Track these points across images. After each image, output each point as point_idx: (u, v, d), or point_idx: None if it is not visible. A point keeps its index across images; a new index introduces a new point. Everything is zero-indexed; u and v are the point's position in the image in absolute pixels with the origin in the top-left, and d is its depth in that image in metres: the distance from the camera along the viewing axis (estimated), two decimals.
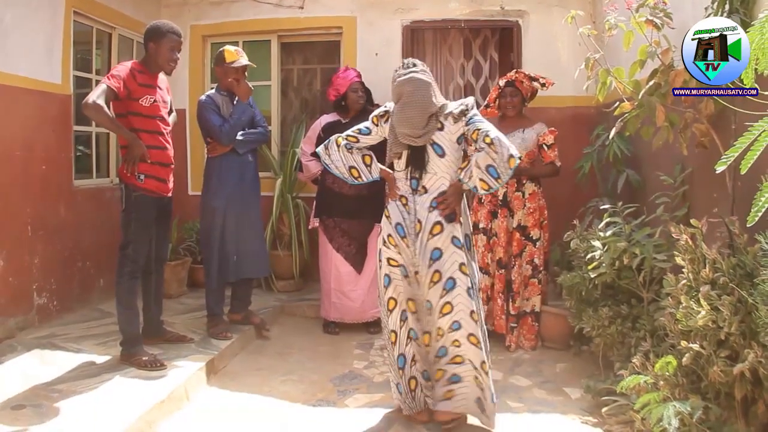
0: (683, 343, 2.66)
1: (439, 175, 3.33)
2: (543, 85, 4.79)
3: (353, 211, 5.09)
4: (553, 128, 4.80)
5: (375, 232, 5.14)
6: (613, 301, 3.84)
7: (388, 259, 3.38)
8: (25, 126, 4.62)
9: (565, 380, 4.09)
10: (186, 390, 3.76)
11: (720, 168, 2.14)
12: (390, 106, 3.43)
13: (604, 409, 3.34)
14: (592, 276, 3.75)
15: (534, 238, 4.73)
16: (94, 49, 5.70)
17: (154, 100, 4.02)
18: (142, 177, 3.96)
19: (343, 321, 5.20)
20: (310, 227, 5.56)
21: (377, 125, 3.49)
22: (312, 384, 4.09)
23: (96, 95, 3.69)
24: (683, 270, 2.81)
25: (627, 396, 3.05)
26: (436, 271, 3.26)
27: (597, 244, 3.77)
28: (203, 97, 4.74)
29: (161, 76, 4.18)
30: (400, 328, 3.40)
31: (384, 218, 3.43)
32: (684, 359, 2.63)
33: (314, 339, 5.07)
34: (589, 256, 3.79)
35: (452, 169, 3.35)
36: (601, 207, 4.20)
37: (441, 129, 3.31)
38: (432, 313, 3.31)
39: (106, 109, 3.71)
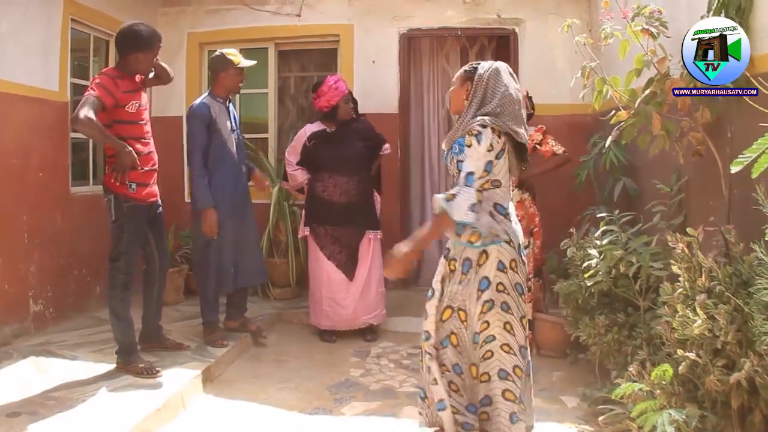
0: (680, 352, 2.66)
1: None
2: None
3: (344, 218, 5.10)
4: (539, 126, 4.82)
5: (366, 239, 5.18)
6: (609, 309, 3.84)
7: (498, 284, 3.00)
8: (21, 133, 4.61)
9: (561, 388, 4.09)
10: (182, 398, 3.75)
11: (735, 168, 2.11)
12: (485, 121, 2.98)
13: (600, 418, 3.34)
14: (589, 284, 3.75)
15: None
16: (92, 57, 5.71)
17: (139, 105, 3.98)
18: (133, 186, 3.90)
19: (335, 329, 5.20)
20: (300, 236, 5.55)
21: (493, 149, 2.97)
22: (308, 392, 4.09)
23: (86, 109, 3.61)
24: (679, 278, 2.81)
25: (623, 404, 3.04)
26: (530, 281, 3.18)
27: (593, 252, 3.78)
28: (198, 104, 4.62)
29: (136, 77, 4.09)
30: (480, 347, 3.07)
31: (505, 244, 3.00)
32: (680, 368, 2.63)
33: (311, 346, 5.06)
34: (585, 264, 3.79)
35: None
36: (598, 215, 4.21)
37: None
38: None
39: (97, 121, 3.65)
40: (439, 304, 3.17)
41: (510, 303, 3.02)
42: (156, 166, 4.12)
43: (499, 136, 2.97)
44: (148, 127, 4.08)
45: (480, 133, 2.94)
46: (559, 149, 4.76)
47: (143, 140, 4.01)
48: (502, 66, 3.09)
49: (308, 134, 5.24)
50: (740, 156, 2.09)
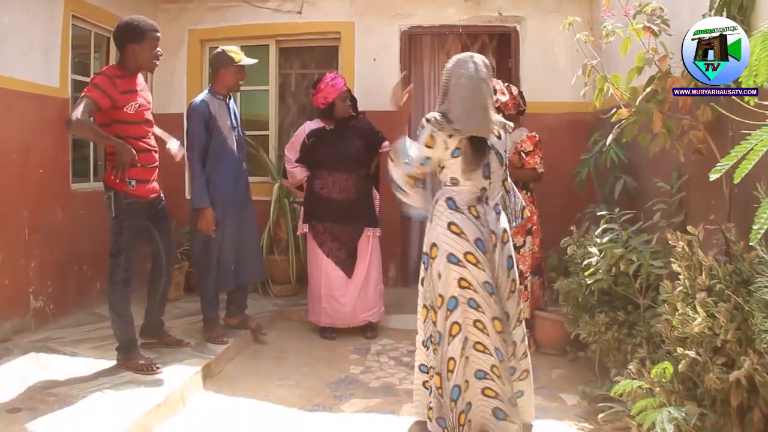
0: (679, 350, 2.66)
1: (497, 183, 3.18)
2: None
3: (343, 215, 5.11)
4: (532, 134, 4.79)
5: (365, 236, 5.18)
6: (609, 307, 3.84)
7: (460, 279, 3.04)
8: (22, 129, 4.61)
9: (561, 386, 4.09)
10: (182, 394, 3.76)
11: (714, 176, 2.12)
12: (434, 116, 3.10)
13: (600, 416, 3.34)
14: (589, 282, 3.75)
15: (517, 245, 4.71)
16: (93, 53, 5.71)
17: (139, 105, 3.93)
18: (133, 183, 3.89)
19: (334, 326, 5.20)
20: (299, 233, 5.56)
21: (434, 145, 3.09)
22: (308, 389, 4.09)
23: (79, 111, 3.58)
24: (680, 277, 2.81)
25: (623, 402, 3.04)
26: (513, 279, 3.17)
27: (594, 250, 3.78)
28: (198, 101, 4.60)
29: (139, 76, 4.07)
30: (461, 356, 3.06)
31: (450, 235, 3.06)
32: (680, 366, 2.63)
33: (311, 344, 5.06)
34: (585, 262, 3.79)
35: (502, 176, 3.22)
36: (598, 213, 4.20)
37: (499, 138, 3.17)
38: (508, 326, 3.14)
39: (89, 122, 3.63)
40: (420, 304, 3.28)
41: (479, 301, 3.04)
42: (157, 163, 4.10)
43: (449, 137, 3.05)
44: (149, 127, 4.06)
45: (423, 126, 3.09)
46: (540, 168, 4.75)
47: (144, 139, 3.98)
48: (464, 57, 3.12)
49: (307, 131, 5.23)
50: (717, 165, 2.09)
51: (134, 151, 3.81)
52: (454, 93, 3.06)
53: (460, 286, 3.04)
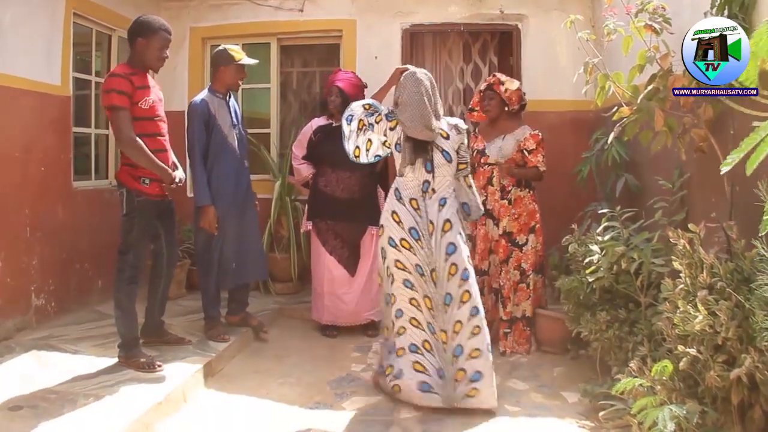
0: (680, 348, 2.66)
1: (446, 177, 3.72)
2: (506, 89, 4.74)
3: (346, 214, 5.11)
4: (536, 132, 4.76)
5: (368, 234, 5.17)
6: (610, 305, 3.84)
7: (396, 261, 3.64)
8: (24, 127, 4.62)
9: (562, 384, 4.09)
10: (183, 392, 3.76)
11: (725, 168, 2.12)
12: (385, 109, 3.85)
13: (601, 414, 3.34)
14: (590, 280, 3.75)
15: (520, 243, 4.73)
16: (94, 51, 5.71)
17: (152, 101, 3.96)
18: (147, 181, 3.93)
19: (336, 324, 5.20)
20: (302, 230, 5.56)
21: (378, 123, 3.79)
22: (309, 387, 4.09)
23: (127, 128, 3.77)
24: (681, 275, 2.81)
25: (624, 400, 3.04)
26: (453, 263, 3.58)
27: (595, 248, 3.78)
28: (197, 100, 4.60)
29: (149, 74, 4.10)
30: (392, 324, 3.71)
31: (392, 221, 3.68)
32: (681, 364, 2.63)
33: (312, 342, 5.07)
34: (587, 260, 3.79)
35: (454, 171, 3.77)
36: (600, 211, 4.20)
37: (447, 138, 3.71)
38: (452, 307, 3.58)
39: (141, 144, 3.81)
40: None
41: (413, 281, 3.62)
42: (170, 163, 4.11)
43: (391, 129, 3.74)
44: (163, 124, 4.08)
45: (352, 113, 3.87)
46: (542, 166, 4.73)
47: (158, 137, 4.01)
48: (410, 73, 3.74)
49: (314, 128, 5.26)
50: (728, 156, 2.08)
51: (171, 172, 3.97)
52: (403, 104, 3.65)
53: (396, 267, 3.63)
